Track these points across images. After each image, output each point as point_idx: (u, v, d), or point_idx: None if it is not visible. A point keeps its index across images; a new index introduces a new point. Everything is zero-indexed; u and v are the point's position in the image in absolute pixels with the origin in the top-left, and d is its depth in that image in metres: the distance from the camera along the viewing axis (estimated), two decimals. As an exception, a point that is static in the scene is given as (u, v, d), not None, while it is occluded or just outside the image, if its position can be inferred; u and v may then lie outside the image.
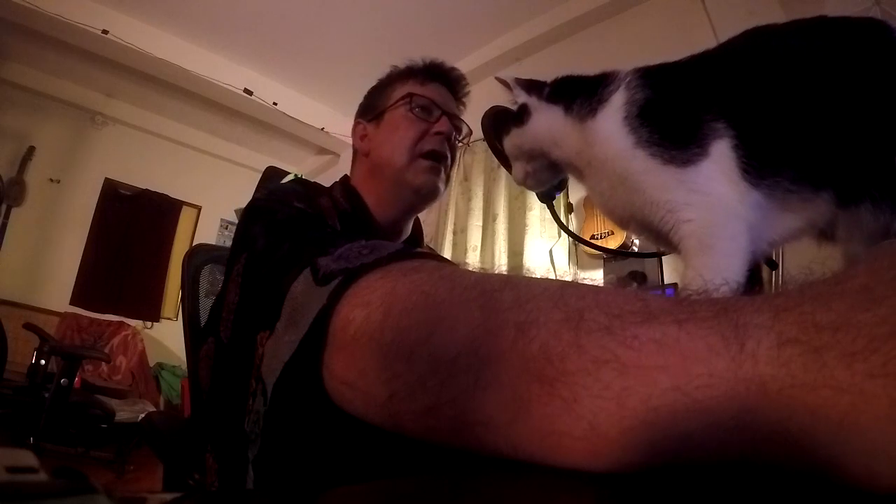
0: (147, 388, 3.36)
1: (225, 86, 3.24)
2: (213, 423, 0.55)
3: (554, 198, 0.58)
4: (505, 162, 0.54)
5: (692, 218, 0.38)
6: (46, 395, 2.11)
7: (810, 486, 0.16)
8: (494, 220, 2.53)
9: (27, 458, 0.12)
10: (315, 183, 0.73)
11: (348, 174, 0.79)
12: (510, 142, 0.49)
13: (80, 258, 3.70)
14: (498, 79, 0.51)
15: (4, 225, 3.35)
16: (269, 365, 0.38)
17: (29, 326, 2.54)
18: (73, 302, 3.60)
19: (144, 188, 4.02)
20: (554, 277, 0.41)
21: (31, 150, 3.52)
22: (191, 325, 0.89)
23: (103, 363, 3.14)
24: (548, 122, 0.46)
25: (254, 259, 0.49)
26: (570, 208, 2.26)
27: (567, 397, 0.20)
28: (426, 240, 0.92)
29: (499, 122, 0.52)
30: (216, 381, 0.56)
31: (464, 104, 0.81)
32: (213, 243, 3.36)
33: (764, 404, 0.16)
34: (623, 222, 0.45)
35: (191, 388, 0.74)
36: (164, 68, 3.11)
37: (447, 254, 2.64)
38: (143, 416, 1.80)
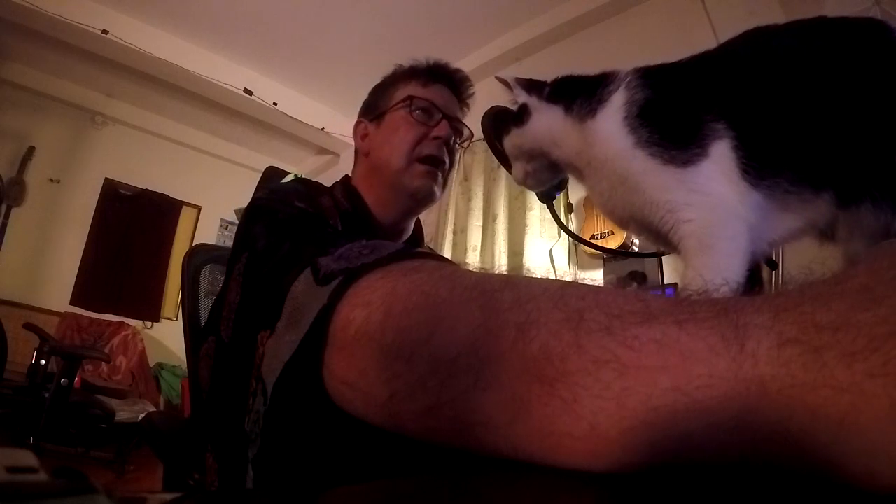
0: (147, 388, 3.36)
1: (225, 86, 3.24)
2: (212, 422, 0.55)
3: (554, 198, 0.58)
4: (505, 162, 0.54)
5: (692, 218, 0.38)
6: (46, 395, 2.11)
7: (810, 486, 0.16)
8: (494, 220, 2.53)
9: (27, 458, 0.12)
10: (316, 182, 0.73)
11: (350, 174, 0.79)
12: (510, 141, 0.49)
13: (80, 258, 3.71)
14: (498, 78, 0.51)
15: (4, 225, 3.35)
16: (269, 364, 0.38)
17: (29, 326, 2.54)
18: (73, 302, 3.60)
19: (144, 188, 4.02)
20: (554, 277, 0.41)
21: (31, 150, 3.52)
22: (191, 324, 0.89)
23: (103, 363, 3.14)
24: (548, 122, 0.46)
25: (255, 259, 0.49)
26: (570, 208, 2.26)
27: (567, 398, 0.20)
28: (426, 240, 0.92)
29: (499, 122, 0.52)
30: (216, 380, 0.56)
31: (467, 106, 0.81)
32: (213, 243, 3.36)
33: (764, 404, 0.16)
34: (623, 222, 0.45)
35: (191, 388, 0.74)
36: (164, 68, 3.11)
37: (447, 254, 2.64)
38: (143, 416, 1.80)
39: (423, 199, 0.74)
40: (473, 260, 2.55)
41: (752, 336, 0.17)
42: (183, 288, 0.93)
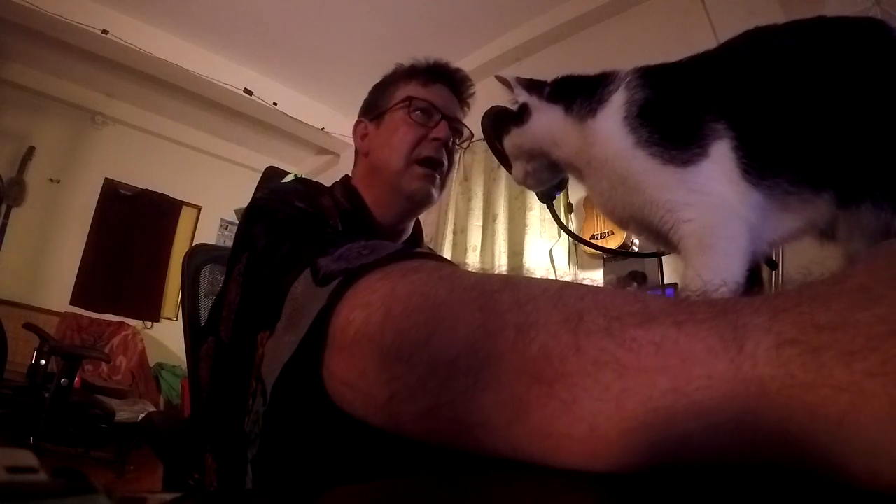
0: (147, 388, 3.36)
1: (225, 86, 3.24)
2: (212, 423, 0.55)
3: (554, 198, 0.58)
4: (505, 162, 0.54)
5: (692, 218, 0.38)
6: (46, 395, 2.11)
7: (810, 486, 0.16)
8: (494, 220, 2.53)
9: (27, 458, 0.12)
10: (316, 182, 0.73)
11: (350, 173, 0.79)
12: (510, 141, 0.49)
13: (80, 258, 3.71)
14: (498, 77, 0.51)
15: (4, 225, 3.35)
16: (268, 365, 0.38)
17: (29, 326, 2.54)
18: (73, 302, 3.60)
19: (144, 188, 4.02)
20: (554, 277, 0.41)
21: (31, 150, 3.52)
22: (191, 324, 0.89)
23: (103, 363, 3.14)
24: (548, 122, 0.46)
25: (255, 259, 0.49)
26: (570, 208, 2.26)
27: (566, 399, 0.20)
28: (426, 240, 0.92)
29: (499, 122, 0.52)
30: (216, 380, 0.56)
31: (468, 105, 0.80)
32: (213, 243, 3.36)
33: (763, 405, 0.16)
34: (623, 222, 0.45)
35: (191, 388, 0.74)
36: (164, 68, 3.11)
37: (447, 254, 2.64)
38: (143, 416, 1.80)
39: (421, 201, 0.74)
40: (473, 260, 2.55)
41: (750, 337, 0.17)
42: (183, 288, 0.94)
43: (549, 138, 0.46)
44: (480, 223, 2.63)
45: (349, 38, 2.91)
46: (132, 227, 3.94)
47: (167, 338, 3.78)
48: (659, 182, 0.39)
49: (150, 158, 4.04)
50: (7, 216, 3.38)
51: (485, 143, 0.61)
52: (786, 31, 0.41)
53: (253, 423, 0.40)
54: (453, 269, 0.33)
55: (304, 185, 0.67)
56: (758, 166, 0.37)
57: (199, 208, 4.27)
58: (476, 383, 0.23)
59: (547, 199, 0.57)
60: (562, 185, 0.55)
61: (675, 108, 0.41)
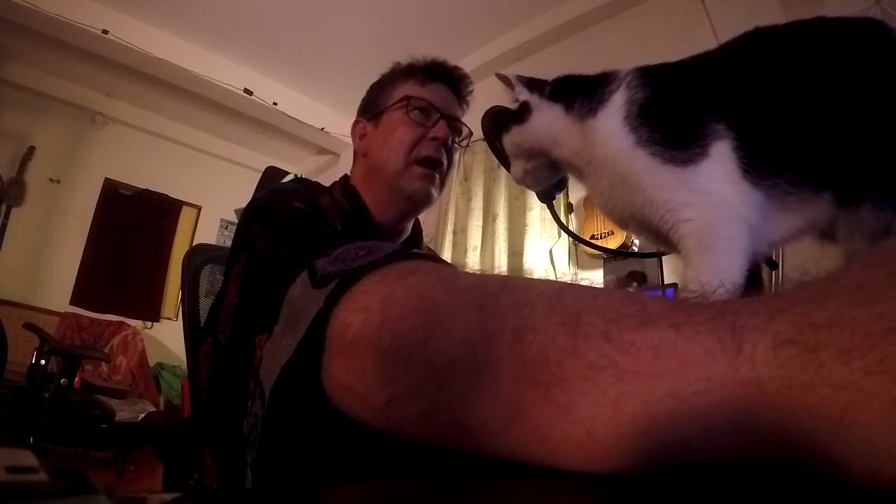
0: (147, 388, 3.36)
1: (225, 86, 3.24)
2: (211, 424, 0.55)
3: (554, 197, 0.57)
4: (505, 162, 0.54)
5: (692, 217, 0.38)
6: (46, 395, 2.11)
7: (810, 486, 0.16)
8: (494, 220, 2.53)
9: (27, 458, 0.12)
10: (316, 182, 0.73)
11: (349, 173, 0.79)
12: (510, 139, 0.49)
13: (80, 258, 3.71)
14: (499, 75, 0.51)
15: (4, 225, 3.35)
16: (267, 368, 0.37)
17: (29, 326, 2.54)
18: (73, 302, 3.60)
19: (144, 188, 4.02)
20: (554, 278, 0.41)
21: (31, 150, 3.52)
22: (191, 325, 0.89)
23: (103, 363, 3.14)
24: (548, 121, 0.46)
25: (253, 260, 0.48)
26: (570, 208, 2.26)
27: (563, 403, 0.20)
28: (426, 240, 0.92)
29: (499, 122, 0.52)
30: (215, 382, 0.56)
31: (467, 104, 0.80)
32: (213, 243, 3.36)
33: (762, 406, 0.16)
34: (623, 222, 0.45)
35: (191, 388, 0.73)
36: (164, 68, 3.11)
37: (447, 254, 2.64)
38: (143, 416, 1.80)
39: (421, 201, 0.73)
40: (473, 260, 2.54)
41: (748, 338, 0.17)
42: (183, 288, 0.94)
43: (550, 137, 0.46)
44: (480, 223, 2.63)
45: (349, 38, 2.91)
46: (132, 227, 3.94)
47: (167, 338, 3.78)
48: (659, 182, 0.39)
49: (150, 158, 4.04)
50: (7, 216, 3.38)
51: (485, 143, 0.61)
52: (786, 32, 0.41)
53: (252, 426, 0.40)
54: (451, 270, 0.33)
55: (304, 186, 0.67)
56: (758, 166, 0.37)
57: (199, 208, 4.27)
58: (474, 386, 0.23)
59: (547, 198, 0.57)
60: (562, 185, 0.55)
61: (676, 108, 0.41)
